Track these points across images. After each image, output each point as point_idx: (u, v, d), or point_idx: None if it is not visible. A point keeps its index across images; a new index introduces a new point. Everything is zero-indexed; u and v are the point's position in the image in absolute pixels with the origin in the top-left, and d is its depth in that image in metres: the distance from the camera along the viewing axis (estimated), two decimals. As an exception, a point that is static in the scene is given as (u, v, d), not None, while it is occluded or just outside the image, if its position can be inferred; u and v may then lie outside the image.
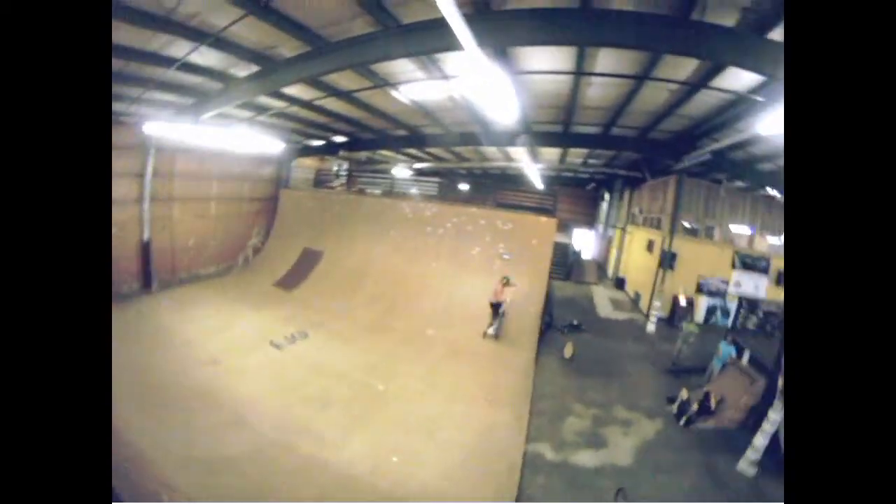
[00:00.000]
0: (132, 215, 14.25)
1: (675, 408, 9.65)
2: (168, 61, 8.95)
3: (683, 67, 8.32)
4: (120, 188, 13.57)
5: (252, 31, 7.75)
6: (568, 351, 12.78)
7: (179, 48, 8.38)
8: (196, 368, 9.87)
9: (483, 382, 10.42)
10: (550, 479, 7.34)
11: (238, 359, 10.56)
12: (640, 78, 8.98)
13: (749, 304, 16.60)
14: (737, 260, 16.91)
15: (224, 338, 11.61)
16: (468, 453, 7.72)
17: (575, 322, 15.69)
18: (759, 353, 10.64)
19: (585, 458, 7.96)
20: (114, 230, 13.38)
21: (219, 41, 8.01)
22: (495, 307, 12.96)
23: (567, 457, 7.98)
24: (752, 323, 16.16)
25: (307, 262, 17.51)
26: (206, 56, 8.83)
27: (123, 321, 11.68)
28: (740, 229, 18.29)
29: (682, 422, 9.25)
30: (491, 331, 13.04)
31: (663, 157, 15.68)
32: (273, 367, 10.42)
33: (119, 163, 13.26)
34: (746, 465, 7.62)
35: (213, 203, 17.46)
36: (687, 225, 18.21)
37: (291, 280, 16.83)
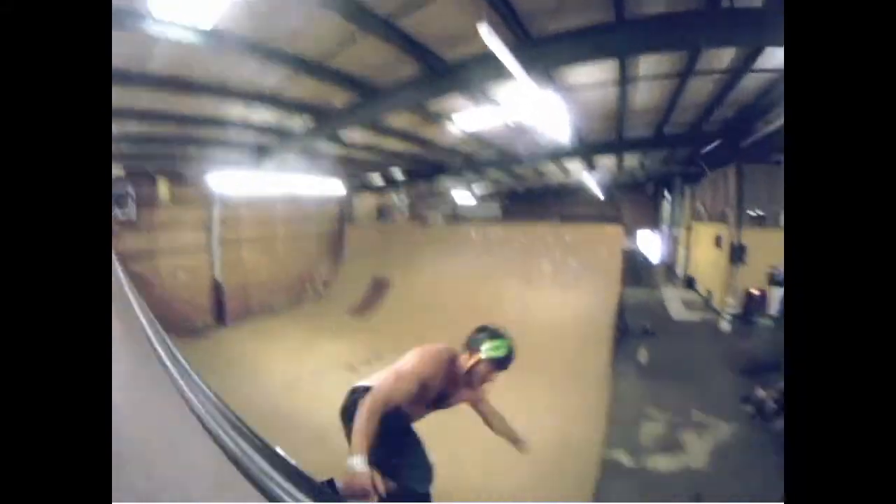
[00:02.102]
0: (204, 260, 15.50)
1: (750, 407, 9.42)
2: (224, 122, 9.85)
3: (723, 56, 8.35)
4: (189, 237, 15.03)
5: (301, 88, 8.45)
6: (643, 356, 12.71)
7: (236, 108, 9.26)
8: (275, 394, 10.36)
9: (556, 396, 10.43)
10: (627, 485, 7.42)
11: (314, 383, 10.99)
12: (683, 75, 9.07)
13: None
14: None
15: (300, 364, 12.15)
16: (550, 464, 7.67)
17: (647, 326, 15.44)
18: None
19: (661, 463, 7.97)
20: (184, 273, 14.72)
21: (271, 99, 8.73)
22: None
23: (643, 462, 8.03)
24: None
25: (376, 291, 17.99)
26: (261, 114, 9.67)
27: (199, 353, 11.99)
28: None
29: (758, 422, 9.01)
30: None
31: (719, 147, 15.33)
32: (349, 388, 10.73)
33: (187, 214, 14.79)
34: None
35: (279, 242, 18.62)
36: (753, 214, 17.51)
37: (362, 308, 17.37)
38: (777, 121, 11.03)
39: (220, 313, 15.88)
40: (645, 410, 9.88)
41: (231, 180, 12.69)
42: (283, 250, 18.66)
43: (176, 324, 13.54)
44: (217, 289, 15.75)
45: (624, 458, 8.16)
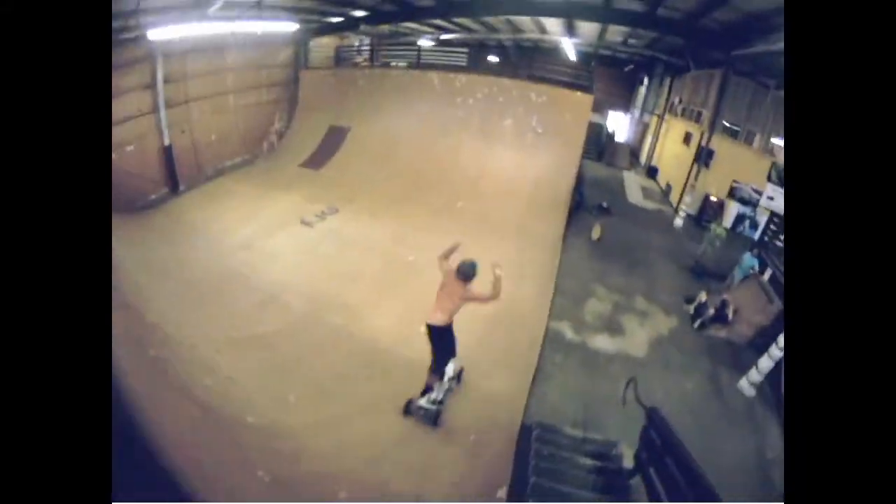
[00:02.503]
0: (150, 125, 13.90)
1: (691, 308, 9.77)
2: None
3: None
4: (132, 103, 13.14)
5: None
6: (595, 233, 12.92)
7: None
8: (229, 255, 10.15)
9: (510, 254, 10.50)
10: (567, 359, 7.72)
11: (270, 240, 10.83)
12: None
13: (779, 222, 15.49)
14: (774, 173, 16.08)
15: (255, 223, 11.79)
16: (492, 325, 7.97)
17: (604, 205, 15.67)
18: (780, 274, 10.21)
19: (602, 343, 8.32)
20: (133, 143, 13.27)
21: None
22: (436, 334, 6.06)
23: (585, 339, 8.36)
24: (779, 241, 15.71)
25: (333, 140, 17.25)
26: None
27: (154, 225, 11.87)
28: (782, 142, 17.15)
29: (696, 324, 9.40)
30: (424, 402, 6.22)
31: (711, 47, 14.53)
32: (304, 244, 10.74)
33: (127, 79, 12.75)
34: (747, 384, 7.73)
35: (231, 96, 16.82)
36: (727, 124, 17.23)
37: (318, 159, 16.70)
38: (777, 44, 10.30)
39: (172, 180, 14.82)
40: (592, 287, 10.19)
41: (174, 32, 11.14)
42: (235, 105, 16.93)
43: (129, 200, 12.84)
44: (167, 155, 14.51)
45: (568, 332, 8.46)
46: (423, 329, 6.04)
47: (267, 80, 18.37)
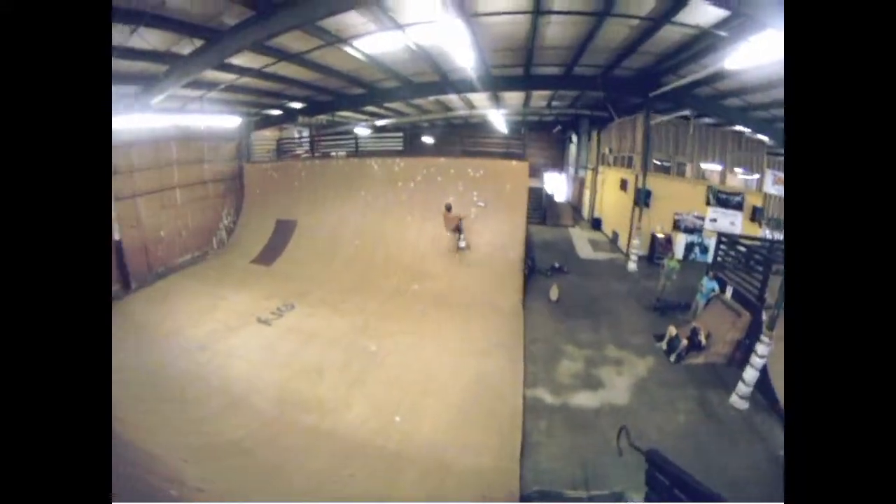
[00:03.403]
0: None
1: (664, 345, 9.77)
2: None
3: (645, 2, 8.09)
4: None
5: (190, 3, 7.21)
6: (554, 293, 12.91)
7: (116, 33, 7.77)
8: (185, 357, 9.60)
9: (473, 331, 10.45)
10: (552, 423, 7.42)
11: (228, 340, 10.34)
12: (601, 14, 8.72)
13: (728, 240, 16.27)
14: (710, 196, 16.91)
15: (211, 322, 11.27)
16: (470, 403, 7.77)
17: (557, 265, 15.81)
18: (741, 288, 10.40)
19: (584, 400, 8.07)
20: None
21: (156, 18, 7.44)
22: (456, 228, 13.85)
23: (566, 399, 8.08)
24: (730, 258, 16.20)
25: (282, 234, 17.14)
26: (146, 38, 8.20)
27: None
28: (711, 166, 18.22)
29: (672, 358, 9.36)
30: (462, 244, 13.96)
31: (628, 94, 15.53)
32: (264, 342, 10.27)
33: None
34: (738, 399, 7.84)
35: (177, 191, 16.67)
36: (658, 162, 18.13)
37: (269, 255, 16.47)
38: (689, 75, 11.15)
39: (124, 277, 14.29)
40: (561, 347, 10.01)
41: (120, 122, 11.09)
42: (182, 199, 16.87)
43: None
44: (118, 250, 14.03)
45: (547, 396, 8.17)
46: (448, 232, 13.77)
47: (212, 174, 18.36)
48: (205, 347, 9.97)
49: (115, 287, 13.72)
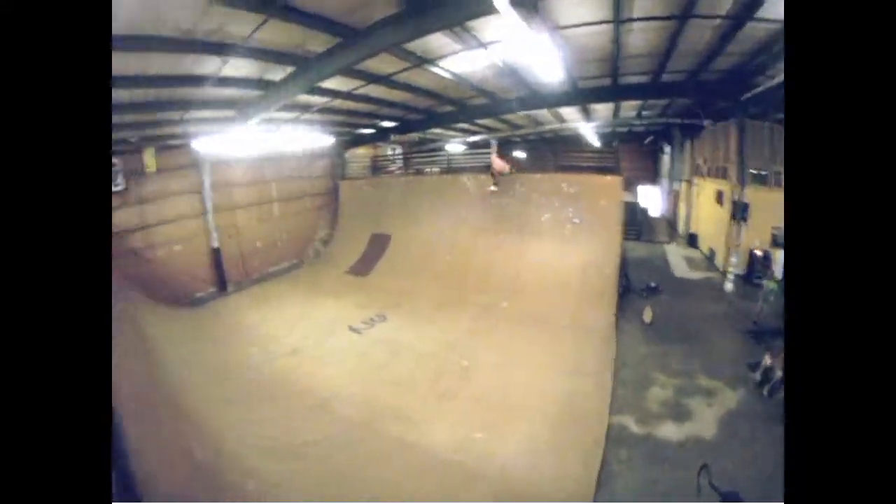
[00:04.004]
0: (199, 227, 14.96)
1: (758, 375, 8.95)
2: (199, 80, 9.10)
3: (723, 0, 7.62)
4: (180, 205, 14.38)
5: (277, 34, 7.66)
6: (647, 315, 12.38)
7: (210, 64, 8.42)
8: (278, 359, 10.16)
9: (564, 352, 10.24)
10: (633, 453, 7.09)
11: (319, 346, 10.82)
12: (680, 17, 8.33)
13: None
14: None
15: (303, 328, 11.87)
16: (554, 428, 7.60)
17: (652, 284, 15.13)
18: None
19: (669, 431, 7.62)
20: (181, 243, 14.32)
21: (246, 50, 7.95)
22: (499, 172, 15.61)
23: (651, 430, 7.68)
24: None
25: (376, 247, 17.81)
26: (238, 67, 8.86)
27: (202, 323, 12.23)
28: None
29: (765, 391, 8.56)
30: (493, 188, 15.50)
31: (719, 99, 14.54)
32: (354, 351, 10.65)
33: (175, 182, 14.15)
34: None
35: (275, 205, 18.12)
36: (754, 172, 16.85)
37: (362, 266, 17.17)
38: (779, 76, 10.32)
39: (220, 281, 15.50)
40: (651, 374, 9.53)
41: (218, 143, 12.08)
42: (279, 212, 18.27)
43: (176, 294, 13.57)
44: (216, 256, 15.34)
45: (632, 425, 7.82)
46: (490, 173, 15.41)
47: (308, 189, 19.71)
48: (296, 352, 10.52)
49: (211, 289, 15.10)
